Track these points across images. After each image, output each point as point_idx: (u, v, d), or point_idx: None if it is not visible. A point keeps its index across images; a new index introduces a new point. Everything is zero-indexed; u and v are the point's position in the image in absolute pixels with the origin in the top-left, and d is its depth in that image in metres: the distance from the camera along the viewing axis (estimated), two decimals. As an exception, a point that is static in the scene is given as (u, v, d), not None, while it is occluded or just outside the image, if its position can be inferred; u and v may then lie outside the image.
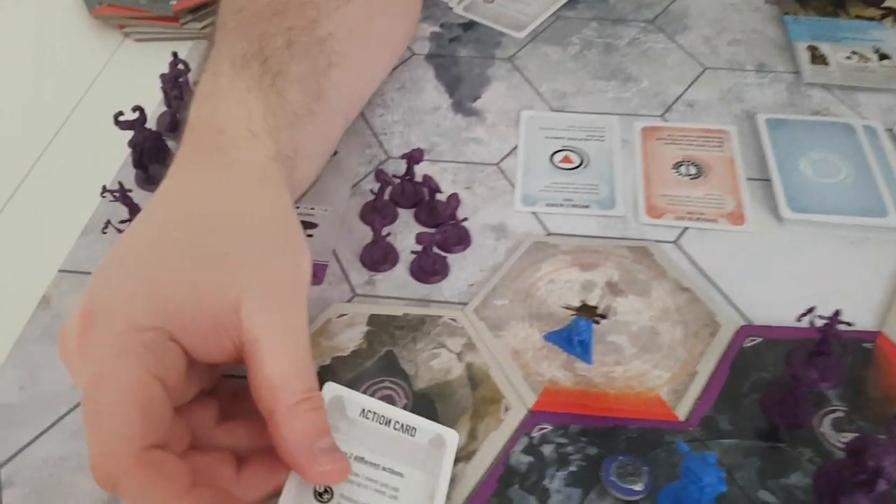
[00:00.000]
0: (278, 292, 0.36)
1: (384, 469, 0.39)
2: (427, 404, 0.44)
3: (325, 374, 0.45)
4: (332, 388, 0.41)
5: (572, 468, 0.41)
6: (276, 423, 0.34)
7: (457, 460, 0.41)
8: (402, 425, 0.41)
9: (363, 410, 0.41)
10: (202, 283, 0.35)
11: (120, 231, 0.50)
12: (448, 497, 0.39)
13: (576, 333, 0.45)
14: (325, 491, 0.38)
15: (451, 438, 0.41)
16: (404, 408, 0.44)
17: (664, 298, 0.48)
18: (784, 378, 0.43)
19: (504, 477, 0.41)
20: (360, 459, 0.39)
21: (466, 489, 0.40)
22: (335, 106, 0.48)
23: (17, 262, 0.51)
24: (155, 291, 0.34)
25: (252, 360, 0.34)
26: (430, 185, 0.51)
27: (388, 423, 0.41)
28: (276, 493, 0.36)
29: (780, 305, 0.48)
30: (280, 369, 0.34)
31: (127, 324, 0.33)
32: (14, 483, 0.40)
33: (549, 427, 0.43)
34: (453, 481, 0.40)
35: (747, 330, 0.47)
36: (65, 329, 0.34)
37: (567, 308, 0.48)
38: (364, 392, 0.44)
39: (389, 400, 0.44)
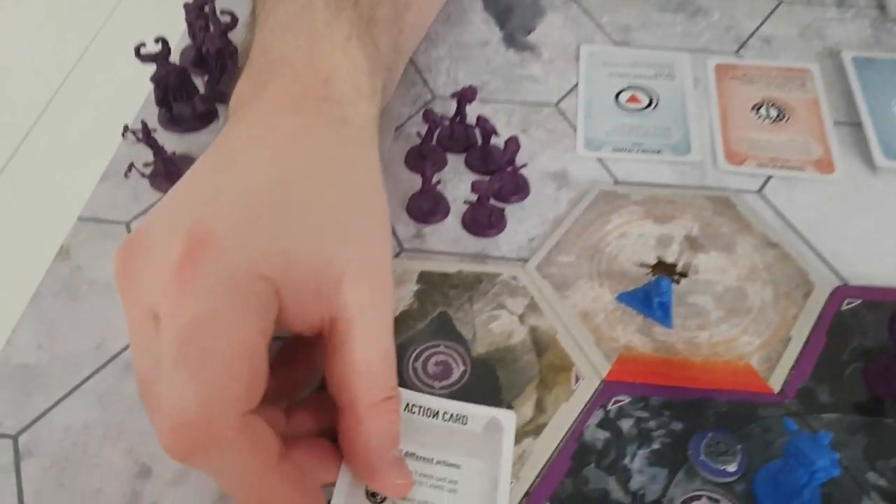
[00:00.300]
0: (377, 273, 0.32)
1: (438, 463, 0.35)
2: (487, 371, 0.39)
3: (374, 336, 0.41)
4: None
5: (655, 446, 0.36)
6: (357, 417, 0.30)
7: (524, 434, 0.37)
8: (452, 415, 0.37)
9: (408, 405, 0.37)
10: (318, 244, 0.30)
11: (144, 175, 0.45)
12: (516, 476, 0.35)
13: (656, 294, 0.40)
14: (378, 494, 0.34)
15: (508, 420, 0.37)
16: (462, 376, 0.39)
17: (750, 255, 0.43)
18: (888, 345, 0.38)
19: (578, 454, 0.36)
20: (411, 455, 0.35)
21: (536, 467, 0.36)
22: (404, 57, 0.44)
23: (32, 211, 0.46)
24: (277, 238, 0.29)
25: (341, 342, 0.30)
26: (486, 127, 0.46)
27: (435, 415, 0.37)
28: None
29: (878, 263, 0.43)
30: (371, 358, 0.30)
31: (248, 265, 0.28)
32: (33, 453, 0.36)
33: (627, 399, 0.38)
34: (521, 459, 0.36)
35: (844, 291, 0.42)
36: (135, 245, 0.29)
37: (642, 265, 0.43)
38: (417, 357, 0.40)
39: (445, 366, 0.39)
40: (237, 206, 0.29)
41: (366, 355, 0.30)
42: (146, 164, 0.45)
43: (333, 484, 0.33)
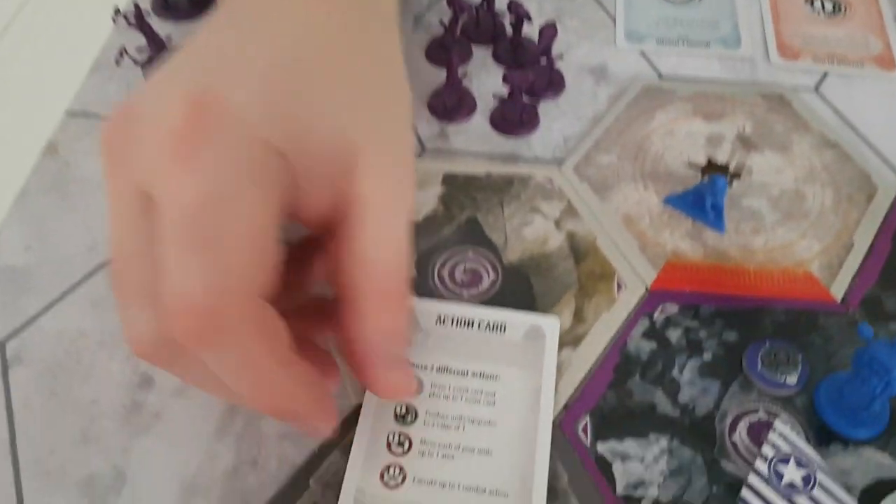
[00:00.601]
0: (398, 156, 0.28)
1: (474, 375, 0.32)
2: (520, 280, 0.36)
3: (395, 240, 0.37)
4: None
5: (707, 357, 0.33)
6: (362, 308, 0.26)
7: (562, 345, 0.33)
8: (489, 323, 0.33)
9: (439, 317, 0.33)
10: (337, 117, 0.26)
11: (137, 62, 0.41)
12: (556, 390, 0.32)
13: (710, 194, 0.36)
14: (407, 412, 0.31)
15: (551, 327, 0.34)
16: (493, 284, 0.36)
17: (808, 155, 0.39)
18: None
19: (621, 366, 0.33)
20: (444, 370, 0.32)
21: (575, 380, 0.33)
22: None
23: (18, 104, 0.42)
24: (294, 108, 0.25)
25: (352, 228, 0.26)
26: (519, 12, 0.41)
27: (470, 324, 0.33)
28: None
29: (946, 167, 0.39)
30: (381, 248, 0.26)
31: (261, 136, 0.24)
32: (22, 360, 0.33)
33: (675, 308, 0.35)
34: (559, 371, 0.33)
35: (911, 195, 0.38)
36: (127, 113, 0.25)
37: (691, 166, 0.39)
38: (444, 265, 0.36)
39: (474, 274, 0.36)
40: (249, 71, 0.25)
41: (377, 244, 0.26)
42: (139, 49, 0.41)
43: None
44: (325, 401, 0.27)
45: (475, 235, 0.37)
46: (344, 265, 0.27)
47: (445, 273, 0.36)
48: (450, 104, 0.41)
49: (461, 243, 0.37)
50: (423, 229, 0.37)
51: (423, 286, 0.35)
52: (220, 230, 0.23)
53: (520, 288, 0.36)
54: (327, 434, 0.28)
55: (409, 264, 0.27)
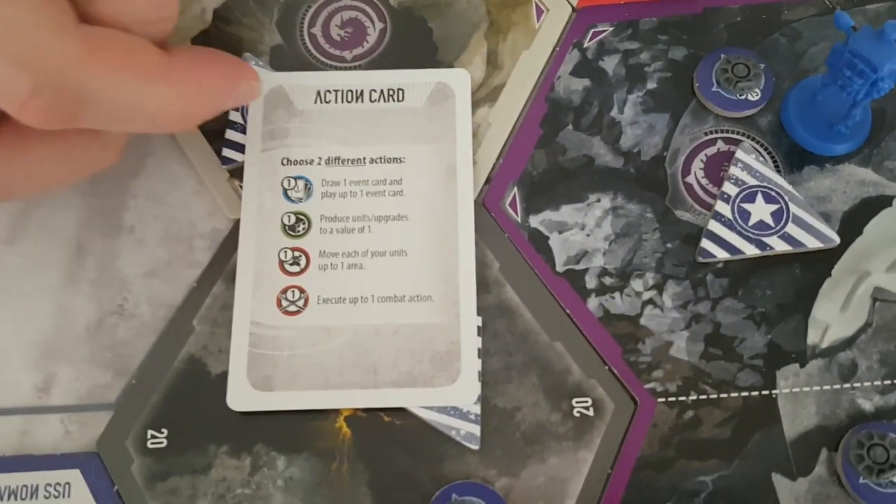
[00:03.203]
0: None
1: (373, 161, 0.26)
2: (415, 24, 0.28)
3: None
4: (264, 79, 0.27)
5: (651, 85, 0.27)
6: None
7: (476, 104, 0.27)
8: (383, 91, 0.27)
9: (318, 94, 0.26)
10: None
11: None
12: (473, 160, 0.26)
13: None
14: (298, 221, 0.25)
15: (460, 83, 0.27)
16: (381, 37, 0.28)
17: None
18: None
19: (549, 117, 0.27)
20: (334, 160, 0.26)
21: (495, 145, 0.27)
22: None
23: None
24: None
25: None
26: None
27: (359, 96, 0.26)
28: None
29: None
30: None
31: None
32: None
33: (609, 28, 0.28)
34: (476, 135, 0.27)
35: None
36: None
37: None
38: (313, 20, 0.28)
39: (356, 27, 0.28)
40: None
41: None
42: None
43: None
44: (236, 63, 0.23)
45: (349, -24, 0.29)
46: None
47: (318, 31, 0.28)
48: None
49: (334, -11, 0.29)
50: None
51: (290, 55, 0.28)
52: None
53: (415, 36, 0.28)
54: (256, 95, 0.24)
55: None
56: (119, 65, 0.20)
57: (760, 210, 0.25)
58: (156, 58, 0.21)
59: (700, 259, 0.25)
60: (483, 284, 0.25)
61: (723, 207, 0.25)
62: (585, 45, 0.28)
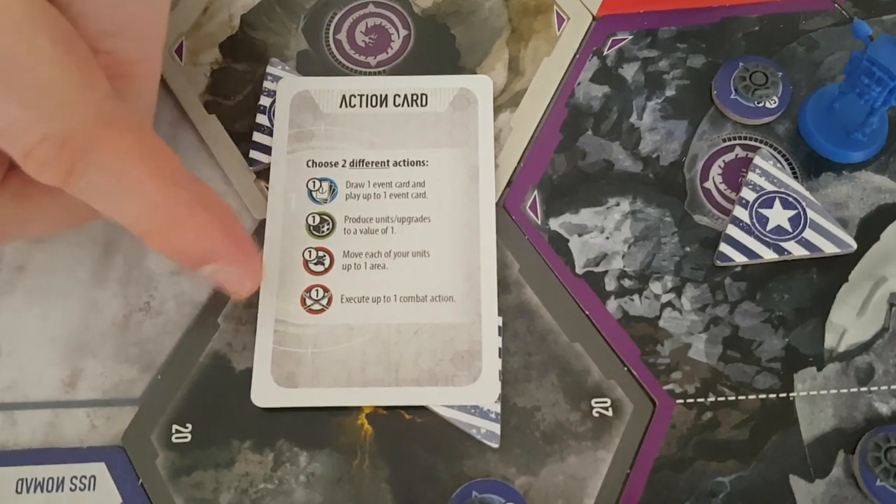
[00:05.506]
0: None
1: (396, 164, 0.26)
2: (438, 32, 0.29)
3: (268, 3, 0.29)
4: (291, 84, 0.27)
5: (670, 92, 0.28)
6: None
7: (498, 109, 0.28)
8: (407, 96, 0.27)
9: (344, 98, 0.27)
10: None
11: None
12: (494, 163, 0.27)
13: None
14: (322, 222, 0.25)
15: (482, 89, 0.27)
16: (405, 44, 0.29)
17: None
18: None
19: (569, 122, 0.27)
20: (359, 163, 0.26)
21: (517, 149, 0.27)
22: None
23: None
24: None
25: None
26: None
27: (383, 101, 0.27)
28: None
29: None
30: None
31: None
32: None
33: (628, 36, 0.28)
34: (498, 140, 0.27)
35: None
36: None
37: None
38: (339, 26, 0.29)
39: (380, 34, 0.29)
40: None
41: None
42: None
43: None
44: (242, 238, 0.22)
45: (374, -16, 0.30)
46: None
47: (343, 37, 0.29)
48: None
49: (358, -3, 0.29)
50: (307, -13, 0.30)
51: (315, 60, 0.28)
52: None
53: (439, 43, 0.29)
54: (253, 289, 0.23)
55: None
56: (128, 147, 0.20)
57: (778, 215, 0.25)
58: (175, 164, 0.21)
59: (718, 263, 0.25)
60: (504, 285, 0.25)
61: (741, 212, 0.25)
62: (605, 52, 0.28)
